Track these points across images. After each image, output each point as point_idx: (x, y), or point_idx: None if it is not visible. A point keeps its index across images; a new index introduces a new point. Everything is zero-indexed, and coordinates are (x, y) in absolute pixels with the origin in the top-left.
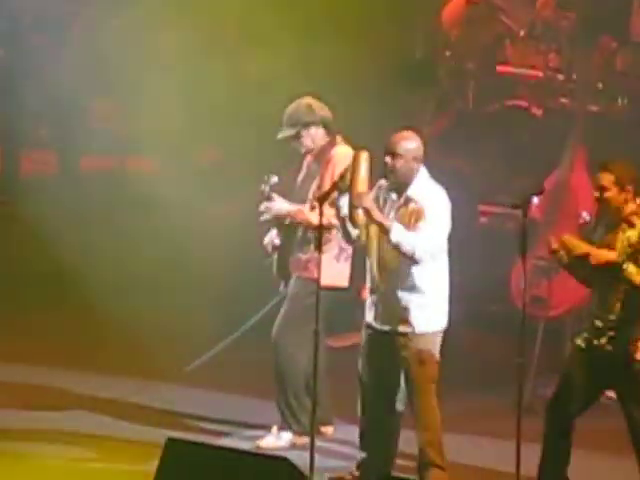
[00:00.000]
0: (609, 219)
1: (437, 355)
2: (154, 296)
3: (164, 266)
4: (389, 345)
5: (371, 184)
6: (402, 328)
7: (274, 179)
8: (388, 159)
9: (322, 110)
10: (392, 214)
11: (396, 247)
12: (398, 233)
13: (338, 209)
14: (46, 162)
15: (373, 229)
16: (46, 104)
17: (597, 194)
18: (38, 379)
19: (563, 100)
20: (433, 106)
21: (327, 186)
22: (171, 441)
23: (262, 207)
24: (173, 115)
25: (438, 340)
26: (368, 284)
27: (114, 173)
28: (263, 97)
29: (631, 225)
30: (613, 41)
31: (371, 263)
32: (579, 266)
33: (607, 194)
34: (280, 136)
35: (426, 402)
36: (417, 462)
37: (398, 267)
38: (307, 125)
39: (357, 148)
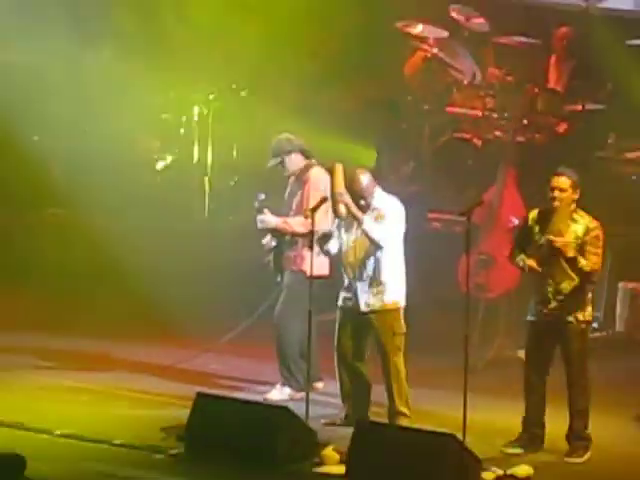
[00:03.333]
0: (559, 215)
1: (402, 326)
2: (191, 285)
3: (199, 264)
4: (361, 318)
5: (346, 185)
6: (371, 303)
7: (262, 196)
8: (362, 202)
9: (298, 140)
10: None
11: (366, 234)
12: (368, 223)
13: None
14: None
15: (350, 237)
16: None
17: (555, 194)
18: (98, 349)
19: (497, 133)
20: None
21: (307, 200)
22: (200, 395)
23: (257, 220)
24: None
25: (400, 315)
26: (345, 277)
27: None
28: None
29: (576, 221)
30: (535, 88)
31: (346, 262)
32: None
33: (564, 194)
34: (269, 165)
35: (393, 362)
36: (388, 410)
37: (367, 255)
38: (288, 153)
39: (334, 163)
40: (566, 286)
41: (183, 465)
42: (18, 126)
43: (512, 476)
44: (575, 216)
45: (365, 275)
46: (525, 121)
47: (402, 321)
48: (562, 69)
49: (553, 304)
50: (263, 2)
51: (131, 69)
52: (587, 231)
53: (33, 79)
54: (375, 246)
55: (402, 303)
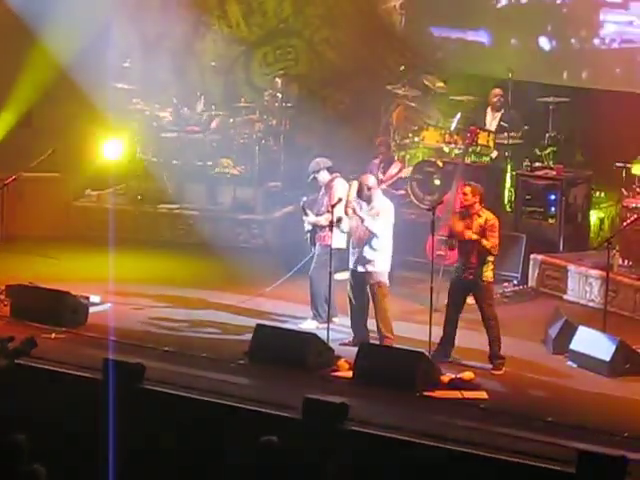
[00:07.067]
0: (467, 212)
1: (387, 282)
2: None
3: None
4: (361, 278)
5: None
6: (367, 268)
7: (304, 199)
8: (366, 192)
9: (325, 163)
10: (366, 213)
11: (366, 226)
12: (367, 220)
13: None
14: None
15: (355, 222)
16: None
17: (463, 198)
18: (191, 294)
19: (452, 157)
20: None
21: (331, 200)
22: (258, 325)
23: (303, 219)
24: None
25: (386, 275)
26: (351, 248)
27: None
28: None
29: (479, 216)
30: (477, 128)
31: (354, 237)
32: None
33: (468, 197)
34: (309, 179)
35: (381, 305)
36: (378, 335)
37: (366, 239)
38: (318, 172)
39: (350, 180)
40: (475, 261)
41: (246, 370)
42: None
43: (460, 379)
44: (480, 212)
45: (365, 247)
46: (470, 149)
47: (385, 279)
48: (494, 116)
49: (467, 272)
50: None
51: None
52: (486, 222)
53: None
54: (372, 235)
55: (386, 268)
